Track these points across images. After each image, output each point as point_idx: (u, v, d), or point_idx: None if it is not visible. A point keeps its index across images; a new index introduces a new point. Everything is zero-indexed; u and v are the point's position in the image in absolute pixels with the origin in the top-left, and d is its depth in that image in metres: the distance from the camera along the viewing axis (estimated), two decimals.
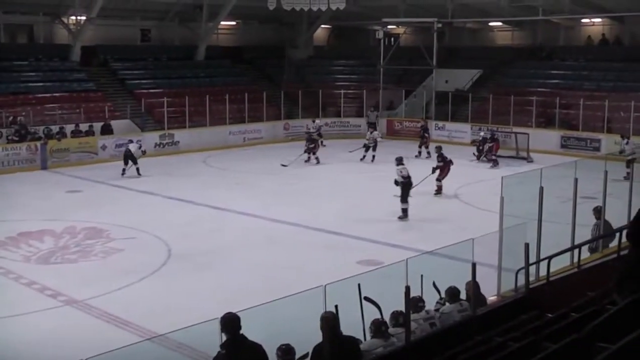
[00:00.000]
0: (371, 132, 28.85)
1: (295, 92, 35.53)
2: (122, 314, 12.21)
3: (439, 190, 21.61)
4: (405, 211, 18.75)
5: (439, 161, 21.97)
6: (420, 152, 28.49)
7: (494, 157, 27.05)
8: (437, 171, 21.76)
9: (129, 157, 25.12)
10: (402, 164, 19.33)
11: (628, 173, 18.71)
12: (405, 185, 18.89)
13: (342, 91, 37.12)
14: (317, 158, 27.41)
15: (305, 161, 27.35)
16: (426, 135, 30.15)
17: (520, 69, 36.39)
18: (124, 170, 24.78)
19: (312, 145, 27.52)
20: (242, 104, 33.36)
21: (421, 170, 21.56)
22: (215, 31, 38.22)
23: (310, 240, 17.01)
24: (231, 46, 40.05)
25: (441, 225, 18.25)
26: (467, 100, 33.47)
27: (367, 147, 28.17)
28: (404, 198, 18.79)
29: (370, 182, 24.12)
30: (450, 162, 22.06)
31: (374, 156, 27.76)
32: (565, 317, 6.60)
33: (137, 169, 25.10)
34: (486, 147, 28.21)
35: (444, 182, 21.91)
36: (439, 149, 22.58)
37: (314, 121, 32.77)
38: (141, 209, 20.38)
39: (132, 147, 25.33)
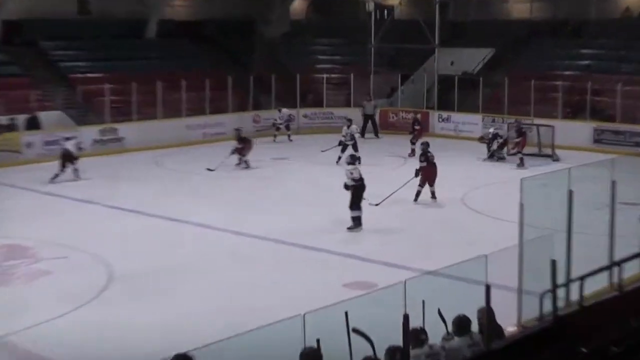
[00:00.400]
0: (348, 127, 28.40)
1: (267, 77, 35.45)
2: (50, 352, 12.04)
3: (433, 196, 21.51)
4: (356, 220, 18.79)
5: (421, 161, 21.75)
6: (413, 150, 28.35)
7: (520, 156, 27.05)
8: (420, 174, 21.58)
9: (67, 159, 24.84)
10: (354, 164, 19.45)
11: None
12: (357, 189, 18.87)
13: (325, 75, 37.14)
14: (246, 162, 26.92)
15: (236, 164, 26.96)
16: (416, 128, 30.11)
17: (541, 48, 36.48)
18: (56, 175, 24.53)
19: (241, 146, 27.02)
20: (202, 92, 33.26)
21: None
22: (170, 2, 38.11)
23: (286, 258, 16.94)
24: (189, 21, 39.92)
25: (446, 238, 18.21)
26: (477, 86, 33.52)
27: (344, 146, 27.72)
28: (356, 204, 18.84)
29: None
30: (434, 164, 21.78)
31: (340, 157, 27.01)
32: (604, 352, 6.51)
33: (76, 170, 24.90)
34: (495, 144, 28.22)
35: (444, 187, 21.80)
36: (425, 146, 22.26)
37: (279, 110, 32.76)
38: (76, 221, 20.18)
39: (71, 146, 25.10)
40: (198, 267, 16.28)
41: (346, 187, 19.07)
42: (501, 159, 28.02)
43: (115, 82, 32.48)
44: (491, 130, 29.24)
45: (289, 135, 33.06)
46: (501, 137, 28.58)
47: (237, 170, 26.33)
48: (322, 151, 28.11)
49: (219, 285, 15.07)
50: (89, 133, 29.76)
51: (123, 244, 17.85)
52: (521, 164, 26.71)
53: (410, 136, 29.83)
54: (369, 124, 34.38)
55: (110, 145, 30.30)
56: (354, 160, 19.81)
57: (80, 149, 25.68)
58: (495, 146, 28.24)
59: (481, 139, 29.38)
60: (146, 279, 15.43)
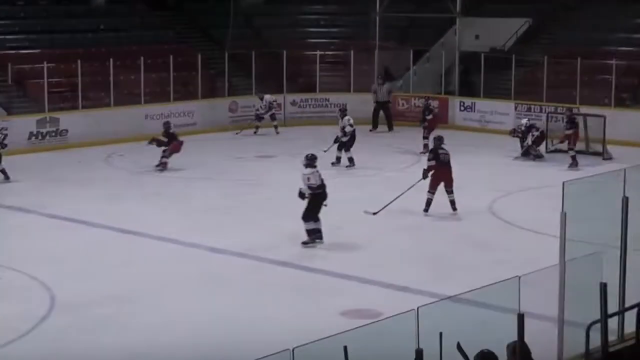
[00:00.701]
0: (341, 118, 28.24)
1: (246, 54, 35.54)
2: None
3: (452, 206, 21.41)
4: (312, 233, 18.82)
5: (429, 159, 21.63)
6: (426, 146, 28.28)
7: (573, 153, 27.06)
8: (429, 176, 21.47)
9: None
10: (314, 167, 19.17)
11: None
12: (315, 197, 18.90)
13: (318, 53, 37.16)
14: (164, 163, 26.94)
15: (156, 165, 27.04)
16: (427, 117, 30.25)
17: (589, 18, 36.52)
18: None
19: (166, 143, 27.10)
20: (166, 73, 33.42)
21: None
22: None
23: (270, 280, 16.98)
24: None
25: (469, 256, 18.27)
26: (509, 66, 33.58)
27: (340, 143, 27.61)
28: (310, 216, 18.85)
29: (355, 191, 24.18)
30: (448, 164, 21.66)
31: (338, 158, 27.37)
32: None
33: (3, 171, 25.02)
34: (530, 138, 28.20)
35: (466, 193, 21.88)
36: (438, 141, 22.03)
37: (261, 97, 32.85)
38: (8, 234, 20.22)
39: None
40: (160, 291, 16.29)
41: (301, 195, 18.96)
42: (538, 157, 28.07)
43: (56, 60, 32.58)
44: (524, 121, 29.19)
45: (275, 127, 33.08)
46: (537, 129, 28.64)
47: (208, 171, 26.36)
48: (324, 151, 27.56)
49: (187, 315, 15.06)
50: (23, 124, 29.90)
51: (66, 262, 17.84)
52: (574, 164, 26.76)
53: (422, 128, 29.86)
54: (381, 114, 34.40)
55: (50, 139, 30.42)
56: (312, 161, 19.32)
57: (2, 144, 25.60)
58: (529, 140, 28.27)
59: (513, 132, 29.30)
60: (96, 306, 15.41)
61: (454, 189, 21.41)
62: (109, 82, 32.06)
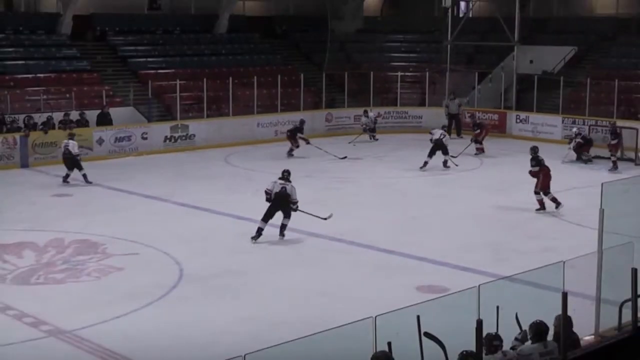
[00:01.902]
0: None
1: (340, 74, 35.66)
2: (121, 348, 12.24)
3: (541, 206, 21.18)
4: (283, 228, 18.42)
5: (533, 165, 21.35)
6: (480, 149, 28.21)
7: (614, 159, 26.85)
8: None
9: (70, 160, 24.45)
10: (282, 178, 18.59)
11: None
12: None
13: (399, 73, 37.12)
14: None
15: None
16: (476, 132, 30.01)
17: (626, 46, 36.07)
18: (67, 175, 24.35)
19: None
20: (274, 89, 33.57)
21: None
22: None
23: (357, 260, 17.01)
24: (260, 16, 40.33)
25: (522, 243, 18.11)
26: (558, 86, 33.20)
27: (436, 147, 26.84)
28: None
29: (431, 188, 24.24)
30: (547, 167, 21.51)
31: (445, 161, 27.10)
32: None
33: (85, 176, 24.39)
34: (572, 144, 28.01)
35: (522, 191, 21.72)
36: (534, 150, 21.65)
37: (366, 114, 32.71)
38: (146, 218, 20.54)
39: (72, 147, 24.47)
40: (268, 267, 16.46)
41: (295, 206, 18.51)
42: (588, 161, 27.74)
43: (186, 78, 32.97)
44: (574, 129, 29.19)
45: (373, 136, 32.92)
46: (580, 134, 28.36)
47: (308, 170, 26.45)
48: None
49: (289, 287, 15.20)
50: (160, 130, 30.26)
51: (192, 242, 18.11)
52: (614, 168, 26.50)
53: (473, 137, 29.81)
54: (453, 124, 34.23)
55: (181, 142, 30.72)
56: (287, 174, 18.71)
57: (78, 152, 24.71)
58: (572, 145, 28.07)
59: (570, 141, 28.94)
60: (216, 278, 15.61)
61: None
62: (229, 96, 32.30)
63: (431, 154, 26.73)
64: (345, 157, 28.51)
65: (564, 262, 9.02)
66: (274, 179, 18.63)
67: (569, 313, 8.67)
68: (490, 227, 19.56)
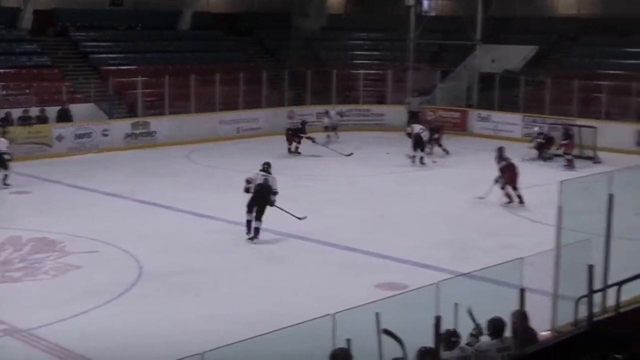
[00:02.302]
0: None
1: (303, 71, 35.63)
2: (79, 347, 12.16)
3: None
4: (256, 231, 18.22)
5: (498, 162, 21.87)
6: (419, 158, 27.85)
7: (569, 157, 27.08)
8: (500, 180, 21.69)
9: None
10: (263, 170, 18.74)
11: None
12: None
13: (362, 71, 37.16)
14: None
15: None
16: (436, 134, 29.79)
17: (588, 46, 36.32)
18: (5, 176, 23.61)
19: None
20: (237, 86, 33.50)
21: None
22: None
23: (321, 259, 17.04)
24: (224, 13, 40.10)
25: (484, 241, 18.21)
26: (519, 85, 33.43)
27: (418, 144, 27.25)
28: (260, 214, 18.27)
29: (399, 186, 24.36)
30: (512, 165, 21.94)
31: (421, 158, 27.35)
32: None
33: (5, 177, 23.53)
34: (534, 143, 28.33)
35: (483, 189, 21.89)
36: (500, 151, 22.26)
37: (326, 112, 32.58)
38: (106, 215, 20.41)
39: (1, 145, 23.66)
40: (230, 265, 16.43)
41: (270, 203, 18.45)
42: (548, 159, 28.02)
43: (148, 74, 32.74)
44: (536, 129, 29.41)
45: (334, 134, 32.52)
46: (542, 134, 28.65)
47: (286, 165, 26.40)
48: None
49: (251, 284, 15.20)
50: (121, 127, 30.09)
51: (153, 239, 18.01)
52: (569, 166, 26.74)
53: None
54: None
55: (142, 139, 30.54)
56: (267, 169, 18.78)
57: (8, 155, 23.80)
58: (534, 144, 28.34)
59: (533, 140, 29.12)
60: (177, 276, 15.56)
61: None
62: (190, 93, 32.24)
63: (416, 147, 27.07)
64: (352, 154, 28.42)
65: (523, 259, 9.08)
66: (255, 170, 18.68)
67: (527, 309, 8.73)
68: (455, 225, 19.65)
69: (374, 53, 40.58)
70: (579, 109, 31.63)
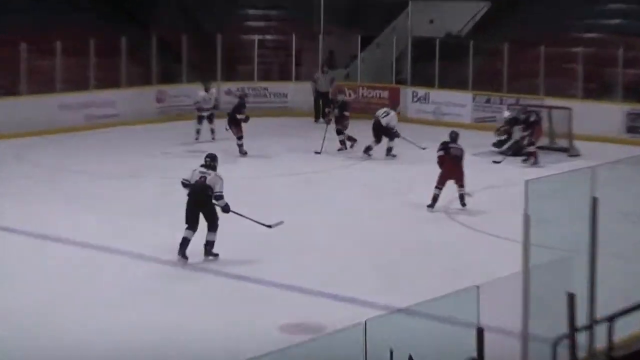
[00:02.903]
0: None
1: (176, 38, 35.46)
2: None
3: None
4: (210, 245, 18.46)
5: (439, 149, 22.10)
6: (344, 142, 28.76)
7: (532, 149, 27.11)
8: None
9: None
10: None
11: None
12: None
13: (257, 37, 37.09)
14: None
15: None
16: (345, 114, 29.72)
17: (553, 1, 36.75)
18: None
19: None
20: (85, 58, 33.29)
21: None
22: None
23: (201, 290, 16.90)
24: None
25: (424, 264, 18.21)
26: (467, 54, 33.78)
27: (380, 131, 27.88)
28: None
29: (302, 191, 24.45)
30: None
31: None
32: None
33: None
34: (518, 133, 27.86)
35: (421, 194, 22.00)
36: (452, 135, 22.52)
37: (207, 89, 32.27)
38: None
39: None
40: (83, 300, 16.12)
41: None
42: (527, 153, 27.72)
43: None
44: (506, 114, 29.21)
45: (212, 130, 32.06)
46: (517, 118, 28.35)
47: (132, 169, 26.20)
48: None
49: (112, 327, 14.88)
50: None
51: None
52: (531, 160, 26.89)
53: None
54: (321, 105, 34.18)
55: None
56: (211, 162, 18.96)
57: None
58: (517, 135, 27.96)
59: (498, 131, 28.97)
60: (19, 314, 15.29)
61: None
62: (19, 68, 31.87)
63: (377, 136, 27.61)
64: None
65: (479, 287, 9.06)
66: (194, 166, 18.63)
67: (486, 355, 8.68)
68: (383, 242, 19.63)
69: (272, 13, 40.68)
70: (547, 84, 32.10)
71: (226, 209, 18.39)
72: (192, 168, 18.62)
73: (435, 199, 21.71)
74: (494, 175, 25.00)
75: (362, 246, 19.50)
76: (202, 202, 18.19)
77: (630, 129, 30.54)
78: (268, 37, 38.20)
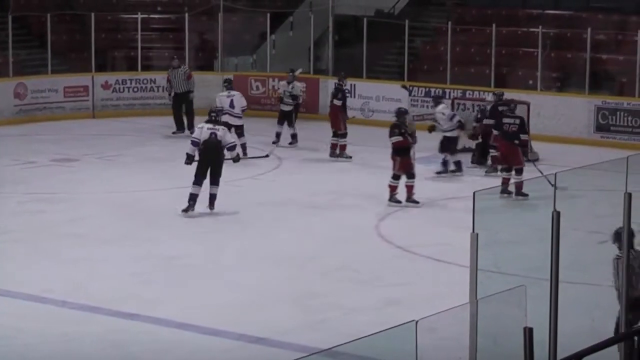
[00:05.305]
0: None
1: (38, 18, 35.29)
2: None
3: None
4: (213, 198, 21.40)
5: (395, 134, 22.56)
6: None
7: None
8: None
9: None
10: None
11: None
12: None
13: (140, 15, 36.98)
14: None
15: None
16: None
17: None
18: None
19: None
20: None
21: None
22: None
23: (77, 331, 16.62)
24: None
25: (348, 294, 18.30)
26: (401, 36, 33.90)
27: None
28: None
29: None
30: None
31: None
32: None
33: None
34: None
35: (348, 208, 22.17)
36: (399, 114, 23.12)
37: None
38: None
39: None
40: None
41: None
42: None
43: None
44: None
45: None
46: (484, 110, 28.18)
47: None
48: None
49: None
50: None
51: None
52: (456, 168, 26.68)
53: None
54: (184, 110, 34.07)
55: None
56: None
57: None
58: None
59: (472, 136, 28.74)
60: None
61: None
62: None
63: (281, 122, 29.29)
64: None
65: (417, 322, 9.20)
66: (201, 124, 20.95)
67: None
68: (298, 267, 19.73)
69: None
70: (499, 73, 32.31)
71: (237, 158, 22.05)
72: (198, 126, 21.48)
73: (394, 188, 22.77)
74: (431, 187, 25.04)
75: (272, 271, 19.55)
76: (214, 157, 21.38)
77: (600, 128, 30.75)
78: (155, 16, 38.13)
